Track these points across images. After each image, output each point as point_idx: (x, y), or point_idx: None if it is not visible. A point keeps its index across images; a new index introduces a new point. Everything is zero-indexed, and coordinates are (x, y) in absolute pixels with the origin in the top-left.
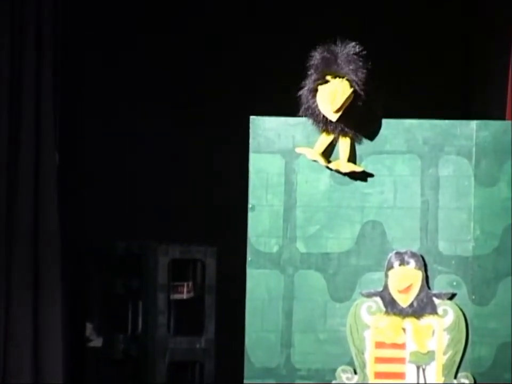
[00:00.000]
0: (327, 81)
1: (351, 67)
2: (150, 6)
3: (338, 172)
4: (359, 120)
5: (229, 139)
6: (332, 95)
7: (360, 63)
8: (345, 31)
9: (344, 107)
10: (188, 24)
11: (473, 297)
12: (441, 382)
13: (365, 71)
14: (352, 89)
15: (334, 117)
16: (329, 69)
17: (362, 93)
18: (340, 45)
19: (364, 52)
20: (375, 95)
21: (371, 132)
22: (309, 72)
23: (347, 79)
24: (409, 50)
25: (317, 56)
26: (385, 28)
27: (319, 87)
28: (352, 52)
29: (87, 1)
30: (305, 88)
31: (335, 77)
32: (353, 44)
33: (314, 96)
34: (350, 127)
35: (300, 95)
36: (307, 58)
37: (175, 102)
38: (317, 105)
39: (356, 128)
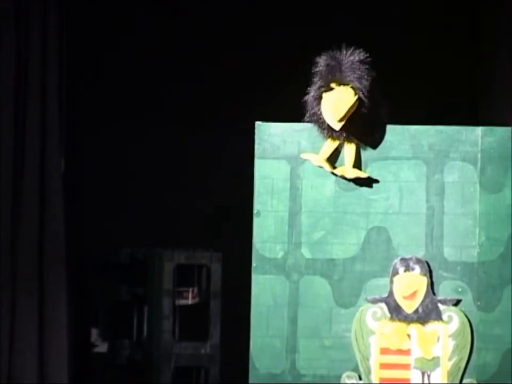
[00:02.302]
0: (331, 89)
1: (355, 75)
2: (151, 9)
3: (343, 177)
4: (365, 127)
5: (235, 144)
6: (335, 104)
7: (365, 71)
8: (350, 36)
9: (348, 116)
10: (189, 26)
11: (479, 303)
12: None
13: (369, 78)
14: (356, 97)
15: (337, 126)
16: (334, 77)
17: (367, 100)
18: (344, 52)
19: (369, 59)
20: (381, 102)
21: (376, 138)
22: (314, 79)
23: (351, 87)
24: (414, 56)
25: (321, 63)
26: (388, 33)
27: (324, 95)
28: (356, 59)
29: (89, 9)
30: (310, 94)
31: (339, 85)
32: (357, 51)
33: (319, 103)
34: (355, 133)
35: (305, 101)
36: (313, 62)
37: (180, 108)
38: (321, 113)
39: (361, 135)
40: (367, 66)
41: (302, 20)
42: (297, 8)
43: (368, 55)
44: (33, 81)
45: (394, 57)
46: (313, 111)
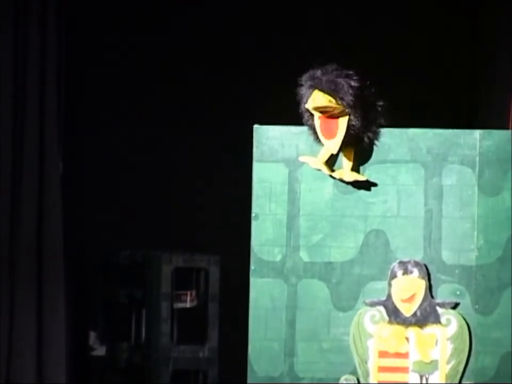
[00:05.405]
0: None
1: (337, 92)
2: (151, 11)
3: (341, 180)
4: (359, 133)
5: (233, 147)
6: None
7: (345, 85)
8: (349, 38)
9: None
10: (189, 27)
11: (477, 306)
12: None
13: (351, 91)
14: (346, 118)
15: (334, 150)
16: None
17: (355, 111)
18: (322, 70)
19: (346, 72)
20: (373, 105)
21: (373, 140)
22: (301, 100)
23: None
24: (413, 59)
25: (303, 83)
26: (387, 33)
27: (314, 112)
28: (335, 75)
29: (89, 9)
30: (303, 108)
31: None
32: (333, 66)
33: (312, 118)
34: (351, 141)
35: (301, 112)
36: (310, 65)
37: (179, 111)
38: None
39: (357, 141)
40: (347, 79)
41: (301, 22)
42: (297, 10)
43: (344, 68)
44: (31, 81)
45: (393, 57)
46: (308, 122)
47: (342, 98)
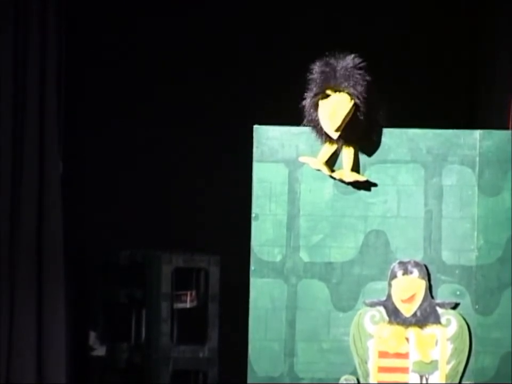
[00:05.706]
0: (327, 95)
1: (350, 81)
2: (151, 11)
3: (341, 181)
4: (361, 131)
5: (233, 147)
6: (332, 114)
7: (359, 76)
8: (349, 38)
9: (344, 123)
10: (190, 27)
11: (477, 306)
12: None
13: (364, 83)
14: (352, 103)
15: (334, 135)
16: (329, 84)
17: (362, 105)
18: (338, 58)
19: (363, 64)
20: (377, 105)
21: (374, 142)
22: (309, 86)
23: (347, 93)
24: (413, 59)
25: (316, 70)
26: (387, 34)
27: (320, 102)
28: (350, 65)
29: (89, 9)
30: (307, 101)
31: (335, 91)
32: (351, 56)
33: (316, 109)
34: (352, 138)
35: (303, 107)
36: (308, 69)
37: (179, 111)
38: (319, 118)
39: (358, 139)
40: (361, 71)
41: (301, 22)
42: (297, 10)
43: (362, 59)
44: (31, 81)
45: (393, 57)
46: (310, 117)
47: (353, 87)
